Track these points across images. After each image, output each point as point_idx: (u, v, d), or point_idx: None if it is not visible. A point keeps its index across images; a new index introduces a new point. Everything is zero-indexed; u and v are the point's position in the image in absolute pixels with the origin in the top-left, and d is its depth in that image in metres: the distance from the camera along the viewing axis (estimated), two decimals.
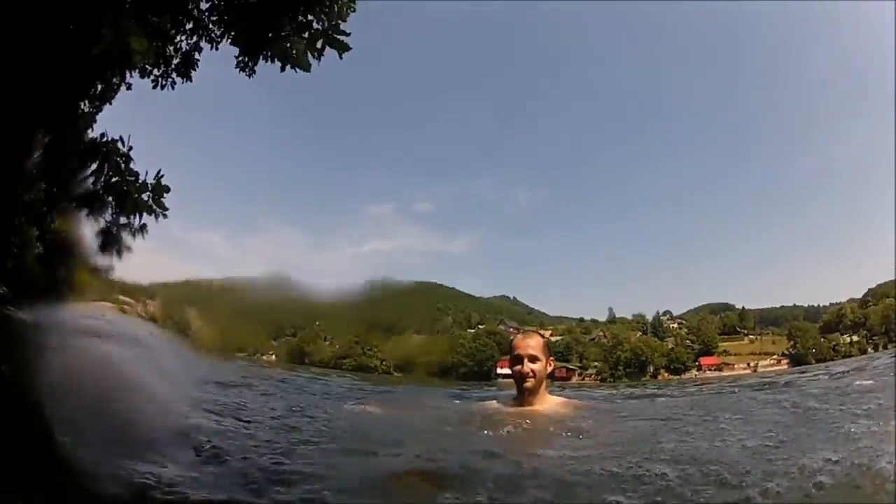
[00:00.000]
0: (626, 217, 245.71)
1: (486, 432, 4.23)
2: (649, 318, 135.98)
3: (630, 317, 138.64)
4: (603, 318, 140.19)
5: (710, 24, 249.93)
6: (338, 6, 6.33)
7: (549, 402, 4.90)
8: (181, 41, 6.81)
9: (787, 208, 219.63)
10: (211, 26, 6.73)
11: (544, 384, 4.92)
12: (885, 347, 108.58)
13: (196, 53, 6.92)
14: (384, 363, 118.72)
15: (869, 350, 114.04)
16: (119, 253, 6.96)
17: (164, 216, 7.13)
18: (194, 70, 6.96)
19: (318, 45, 6.42)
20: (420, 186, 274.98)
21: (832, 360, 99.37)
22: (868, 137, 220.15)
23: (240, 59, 6.74)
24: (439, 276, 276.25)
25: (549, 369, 4.94)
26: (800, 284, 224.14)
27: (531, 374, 4.77)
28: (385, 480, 2.91)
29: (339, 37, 6.36)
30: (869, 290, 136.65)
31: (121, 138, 7.08)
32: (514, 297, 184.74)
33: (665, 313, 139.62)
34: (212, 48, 6.86)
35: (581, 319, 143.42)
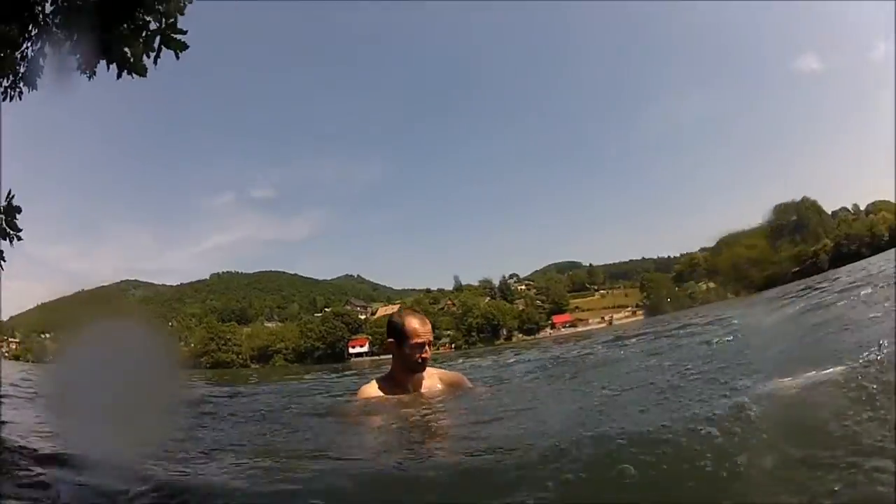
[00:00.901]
0: (464, 185, 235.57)
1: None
2: (496, 282, 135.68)
3: (476, 283, 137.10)
4: (450, 286, 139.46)
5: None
6: (172, 4, 5.99)
7: (431, 377, 4.86)
8: (27, 48, 6.34)
9: (629, 166, 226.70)
10: (55, 30, 6.22)
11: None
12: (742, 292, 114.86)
13: (41, 59, 6.36)
14: (240, 356, 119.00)
15: (729, 296, 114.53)
16: None
17: (19, 238, 6.76)
18: (39, 77, 6.40)
19: (155, 45, 6.04)
20: (258, 171, 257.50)
21: (690, 307, 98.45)
22: (712, 98, 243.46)
23: (79, 60, 6.23)
24: (281, 264, 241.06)
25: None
26: (647, 238, 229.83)
27: (428, 357, 4.73)
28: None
29: (175, 36, 6.02)
30: (721, 238, 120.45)
31: None
32: (359, 276, 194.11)
33: (512, 276, 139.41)
34: (54, 53, 6.32)
35: (428, 290, 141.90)
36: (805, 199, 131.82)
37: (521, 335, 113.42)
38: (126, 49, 6.10)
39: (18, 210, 6.72)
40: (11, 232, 6.69)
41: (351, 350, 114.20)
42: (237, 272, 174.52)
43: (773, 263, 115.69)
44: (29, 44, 6.36)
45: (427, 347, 4.67)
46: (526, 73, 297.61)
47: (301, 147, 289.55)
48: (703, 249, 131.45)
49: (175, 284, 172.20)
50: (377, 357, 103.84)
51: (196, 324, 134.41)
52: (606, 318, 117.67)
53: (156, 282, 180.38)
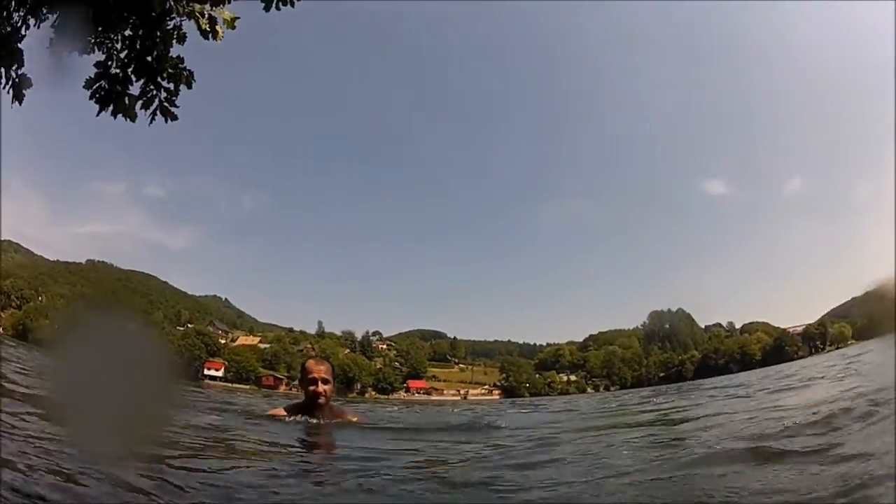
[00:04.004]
0: (345, 236, 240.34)
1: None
2: (359, 336, 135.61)
3: (339, 332, 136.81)
4: (312, 329, 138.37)
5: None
6: (179, 80, 6.63)
7: (333, 413, 6.27)
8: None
9: (509, 252, 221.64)
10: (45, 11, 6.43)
11: (329, 400, 6.22)
12: (606, 389, 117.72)
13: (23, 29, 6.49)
14: None
15: (589, 389, 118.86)
16: None
17: None
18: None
19: (152, 108, 6.60)
20: (154, 170, 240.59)
21: (547, 394, 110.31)
22: (606, 202, 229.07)
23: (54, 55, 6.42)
24: (155, 268, 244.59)
25: (333, 390, 6.27)
26: (515, 322, 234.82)
27: (324, 393, 5.99)
28: None
29: (171, 108, 6.62)
30: (590, 335, 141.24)
31: None
32: (226, 299, 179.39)
33: (375, 333, 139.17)
34: (36, 26, 6.44)
35: (291, 329, 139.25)
36: (680, 310, 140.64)
37: (374, 392, 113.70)
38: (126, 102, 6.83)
39: None
40: None
41: (206, 371, 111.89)
42: (111, 264, 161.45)
43: (642, 365, 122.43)
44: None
45: (320, 383, 6.08)
46: (436, 141, 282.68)
47: (196, 158, 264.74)
48: (569, 343, 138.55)
49: (52, 259, 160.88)
50: (230, 384, 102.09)
51: (64, 305, 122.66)
52: (462, 392, 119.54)
53: (35, 251, 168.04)
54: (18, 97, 6.57)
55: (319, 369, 6.09)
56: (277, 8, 6.64)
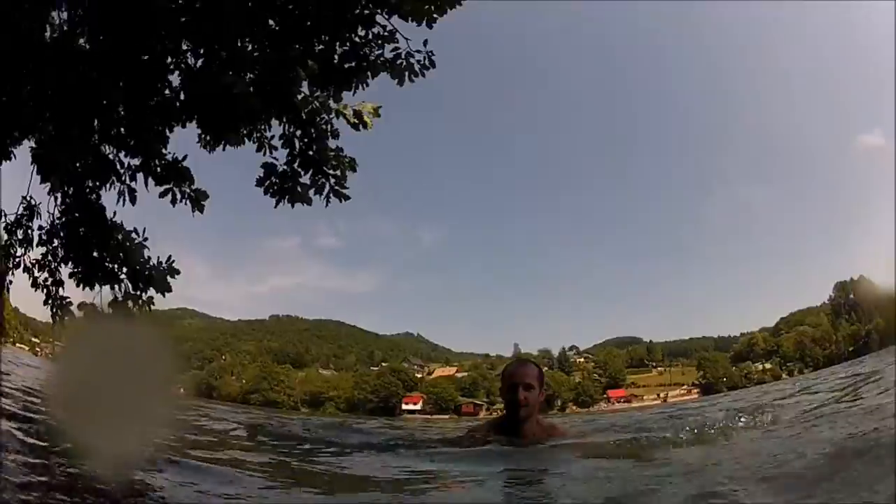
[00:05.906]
0: (529, 255, 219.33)
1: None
2: (555, 353, 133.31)
3: (536, 352, 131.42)
4: (508, 353, 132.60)
5: None
6: (342, 168, 7.21)
7: (542, 429, 4.77)
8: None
9: (691, 248, 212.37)
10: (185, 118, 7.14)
11: (537, 412, 4.72)
12: (800, 372, 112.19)
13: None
14: (291, 398, 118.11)
15: (783, 376, 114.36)
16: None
17: (170, 290, 7.50)
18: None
19: (325, 193, 7.20)
20: (325, 220, 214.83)
21: (745, 387, 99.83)
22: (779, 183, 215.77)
23: (204, 137, 7.26)
24: (341, 314, 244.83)
25: (542, 399, 4.70)
26: (708, 316, 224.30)
27: (525, 401, 4.51)
28: None
29: (342, 190, 7.20)
30: (781, 318, 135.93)
31: (134, 229, 7.54)
32: (419, 334, 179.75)
33: (571, 348, 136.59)
34: (182, 126, 7.16)
35: (486, 355, 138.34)
36: (861, 277, 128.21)
37: (575, 407, 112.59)
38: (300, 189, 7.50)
39: (178, 272, 7.76)
40: (164, 288, 7.75)
41: (405, 406, 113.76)
42: (297, 317, 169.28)
43: (833, 343, 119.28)
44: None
45: (520, 390, 4.51)
46: (596, 160, 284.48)
47: (366, 201, 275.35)
48: (762, 329, 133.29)
49: (232, 320, 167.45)
50: (430, 416, 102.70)
51: (250, 361, 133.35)
52: (661, 395, 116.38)
53: (212, 314, 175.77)
54: (199, 208, 7.45)
55: (521, 372, 4.68)
56: (411, 80, 6.95)
